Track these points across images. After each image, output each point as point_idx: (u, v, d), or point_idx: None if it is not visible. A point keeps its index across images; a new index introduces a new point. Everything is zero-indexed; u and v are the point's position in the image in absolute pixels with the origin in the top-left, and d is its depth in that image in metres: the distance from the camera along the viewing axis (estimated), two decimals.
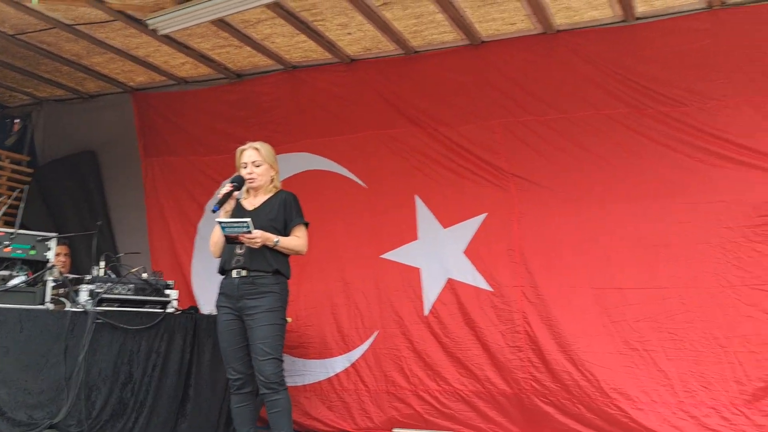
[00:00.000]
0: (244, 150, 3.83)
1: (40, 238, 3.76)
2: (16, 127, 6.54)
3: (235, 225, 3.55)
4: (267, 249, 3.64)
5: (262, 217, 3.69)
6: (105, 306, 3.92)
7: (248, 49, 5.10)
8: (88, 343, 3.69)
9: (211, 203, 5.41)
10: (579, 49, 4.63)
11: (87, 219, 5.81)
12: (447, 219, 4.84)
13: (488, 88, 4.83)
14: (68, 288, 3.89)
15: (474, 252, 4.71)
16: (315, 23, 4.71)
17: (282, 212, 3.74)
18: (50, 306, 3.79)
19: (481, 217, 4.71)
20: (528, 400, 4.45)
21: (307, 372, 4.93)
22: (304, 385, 5.00)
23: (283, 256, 3.73)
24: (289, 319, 3.96)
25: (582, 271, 4.44)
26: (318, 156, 5.24)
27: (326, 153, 5.21)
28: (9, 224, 4.57)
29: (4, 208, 4.70)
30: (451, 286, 4.73)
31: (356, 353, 4.92)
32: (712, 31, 4.31)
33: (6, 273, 3.64)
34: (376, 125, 5.13)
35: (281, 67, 5.41)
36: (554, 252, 4.52)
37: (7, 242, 3.62)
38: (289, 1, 4.41)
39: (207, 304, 5.16)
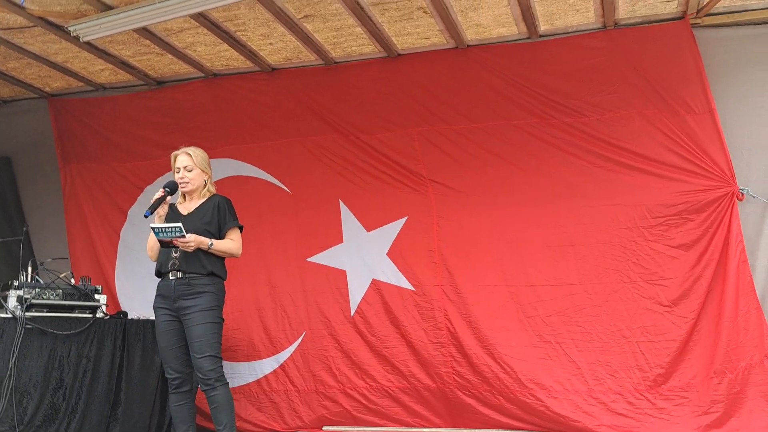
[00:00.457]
0: (177, 155, 3.96)
1: None
2: None
3: (168, 230, 3.64)
4: (201, 252, 3.76)
5: (196, 221, 3.82)
6: (34, 312, 3.92)
7: (170, 56, 5.08)
8: (18, 348, 3.71)
9: (136, 209, 5.45)
10: (488, 64, 4.88)
11: (2, 227, 5.69)
12: (370, 222, 5.01)
13: (406, 98, 5.02)
14: None
15: (396, 253, 4.90)
16: (238, 33, 4.75)
17: (216, 216, 3.86)
18: None
19: (403, 220, 4.93)
20: (451, 394, 4.67)
21: (236, 375, 4.98)
22: (233, 388, 4.90)
23: (217, 258, 3.85)
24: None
25: (498, 269, 4.71)
26: (241, 162, 5.32)
27: (250, 159, 5.28)
28: None
29: None
30: (376, 286, 4.90)
31: (284, 355, 5.03)
32: (607, 49, 4.65)
33: None
34: (298, 132, 5.23)
35: (202, 74, 5.41)
36: (472, 252, 4.77)
37: None
38: (212, 11, 4.41)
39: (132, 310, 5.07)
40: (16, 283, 3.95)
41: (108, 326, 4.27)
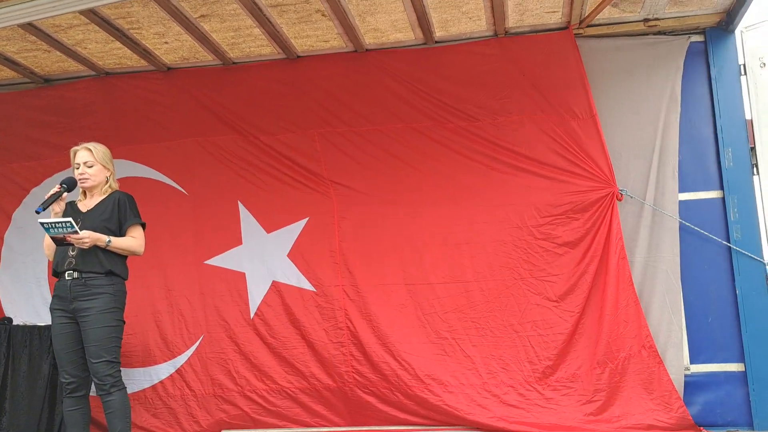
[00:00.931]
0: (77, 150, 3.80)
1: None
2: None
3: (58, 225, 3.47)
4: (99, 250, 3.62)
5: (95, 218, 3.68)
6: None
7: (58, 53, 4.88)
8: None
9: (21, 211, 5.25)
10: (386, 67, 4.97)
11: None
12: (270, 224, 4.97)
13: (306, 99, 5.03)
14: None
15: (297, 255, 4.89)
16: (131, 31, 4.62)
17: (116, 212, 3.73)
18: None
19: (303, 221, 4.93)
20: (351, 392, 4.70)
21: (131, 381, 4.79)
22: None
23: (117, 256, 3.72)
24: None
25: (397, 268, 4.80)
26: (136, 163, 5.17)
27: (144, 160, 5.14)
28: None
29: None
30: (276, 288, 4.88)
31: (181, 359, 4.92)
32: (498, 56, 4.84)
33: None
34: (196, 132, 5.13)
35: (93, 72, 5.22)
36: (372, 252, 4.83)
37: None
38: (104, 8, 4.27)
39: (17, 316, 4.93)
40: None
41: None
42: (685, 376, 4.54)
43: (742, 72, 4.74)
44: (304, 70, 5.09)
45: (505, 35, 4.91)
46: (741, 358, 4.56)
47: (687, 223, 4.64)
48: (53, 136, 5.29)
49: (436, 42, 4.98)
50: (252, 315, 4.92)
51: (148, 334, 4.99)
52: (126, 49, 4.87)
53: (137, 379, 4.95)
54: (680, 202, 4.68)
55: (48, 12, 4.08)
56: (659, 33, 4.82)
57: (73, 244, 3.62)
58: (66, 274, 3.68)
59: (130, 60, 5.09)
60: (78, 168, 3.83)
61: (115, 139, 5.13)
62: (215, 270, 5.01)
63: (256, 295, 4.93)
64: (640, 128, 4.74)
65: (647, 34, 4.82)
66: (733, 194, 4.67)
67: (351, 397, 4.74)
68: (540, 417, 4.48)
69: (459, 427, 4.59)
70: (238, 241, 5.03)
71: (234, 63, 5.18)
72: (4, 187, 5.33)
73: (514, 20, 4.74)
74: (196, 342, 4.96)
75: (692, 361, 4.62)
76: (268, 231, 5.01)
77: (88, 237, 3.58)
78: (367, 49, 5.03)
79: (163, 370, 4.96)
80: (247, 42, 4.88)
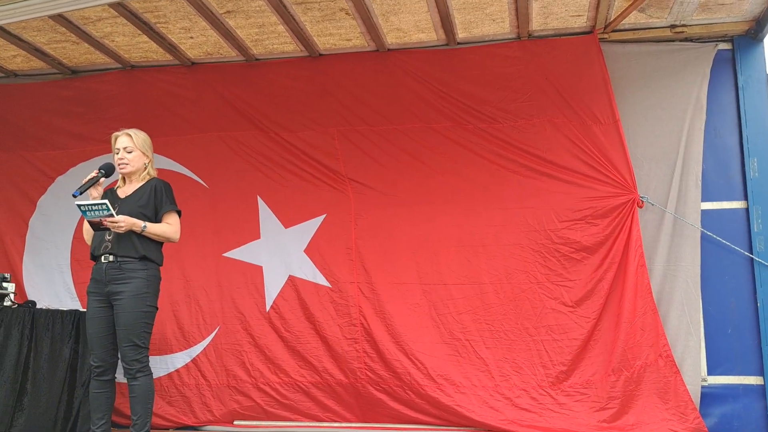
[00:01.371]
0: (117, 136, 3.84)
1: None
2: None
3: (95, 207, 3.49)
4: (135, 235, 3.65)
5: (131, 204, 3.71)
6: None
7: (86, 45, 4.95)
8: None
9: (46, 199, 5.37)
10: (408, 67, 4.98)
11: None
12: (288, 219, 5.00)
13: (327, 97, 5.05)
14: None
15: (314, 250, 4.91)
16: (158, 25, 4.67)
17: (153, 199, 3.76)
18: None
19: (321, 217, 4.96)
20: (363, 389, 4.71)
21: None
22: None
23: (152, 242, 3.74)
24: None
25: (413, 268, 4.80)
26: (158, 155, 4.96)
27: (167, 152, 5.17)
28: None
29: None
30: (293, 282, 4.91)
31: (197, 349, 4.97)
32: (521, 59, 4.83)
33: None
34: (218, 127, 5.18)
35: (119, 65, 5.29)
36: (388, 251, 4.84)
37: None
38: (132, 1, 4.34)
39: (40, 300, 5.00)
40: None
41: (15, 315, 4.17)
42: (702, 387, 4.49)
43: None
44: (325, 68, 5.11)
45: (529, 38, 4.88)
46: (760, 372, 4.50)
47: (709, 233, 4.58)
48: (79, 126, 5.37)
49: (459, 43, 4.97)
50: (268, 308, 4.95)
51: (166, 323, 5.03)
52: (152, 42, 4.92)
53: (154, 367, 4.78)
54: (702, 211, 4.62)
55: (78, 4, 4.12)
56: (686, 40, 4.77)
57: (109, 229, 3.64)
58: (102, 258, 3.71)
59: (156, 54, 5.14)
60: (118, 153, 3.86)
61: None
62: (233, 263, 5.06)
63: (272, 289, 4.97)
64: (664, 135, 4.69)
65: (674, 41, 4.77)
66: (757, 205, 4.60)
67: (363, 394, 4.75)
68: (552, 422, 4.45)
69: (470, 428, 4.58)
70: (256, 235, 5.06)
71: (257, 59, 5.21)
72: (30, 174, 5.42)
73: (538, 23, 4.71)
74: (212, 333, 5.01)
75: (710, 372, 4.56)
76: (286, 226, 5.04)
77: (123, 221, 3.60)
78: (388, 49, 5.04)
79: (179, 359, 5.02)
80: (270, 39, 4.91)
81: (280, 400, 4.86)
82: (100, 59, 5.27)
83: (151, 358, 4.89)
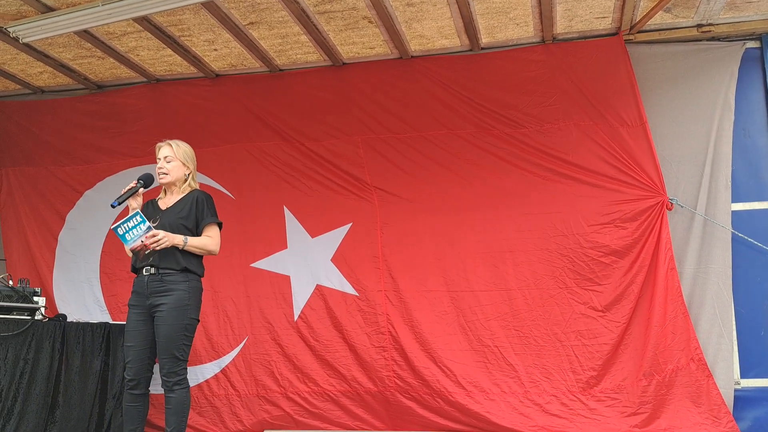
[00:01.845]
0: (160, 146, 3.82)
1: None
2: None
3: (131, 226, 3.46)
4: (177, 249, 3.60)
5: (172, 216, 3.67)
6: None
7: (111, 60, 4.98)
8: None
9: (75, 213, 5.41)
10: (432, 74, 4.95)
11: None
12: (315, 229, 5.00)
13: (351, 106, 5.04)
14: None
15: (341, 259, 4.90)
16: (182, 38, 4.68)
17: (194, 211, 3.72)
18: None
19: (347, 226, 4.95)
20: (392, 397, 4.68)
21: None
22: None
23: (194, 255, 3.69)
24: None
25: (439, 275, 4.77)
26: None
27: None
28: None
29: None
30: (320, 291, 4.91)
31: (226, 359, 4.98)
32: (545, 63, 4.78)
33: None
34: (243, 138, 5.19)
35: (144, 79, 5.31)
36: (414, 258, 4.81)
37: None
38: (156, 16, 4.34)
39: (70, 314, 5.01)
40: None
41: (47, 329, 4.18)
42: (735, 390, 4.41)
43: None
44: (349, 77, 5.10)
45: (553, 42, 4.83)
46: None
47: (740, 234, 4.50)
48: (105, 140, 5.41)
49: (482, 48, 4.94)
50: (296, 317, 4.95)
51: (195, 334, 5.10)
52: (176, 56, 4.94)
53: None
54: (733, 212, 4.54)
55: (103, 19, 4.19)
56: (713, 39, 4.69)
57: (155, 251, 3.58)
58: (144, 270, 3.68)
59: (180, 67, 5.16)
60: (158, 162, 3.83)
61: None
62: (260, 273, 5.07)
63: (300, 298, 4.97)
64: (692, 136, 4.62)
65: (700, 40, 4.70)
66: None
67: (392, 402, 4.73)
68: (583, 427, 4.40)
69: None
70: (283, 245, 5.07)
71: (281, 70, 5.21)
72: (59, 189, 5.47)
73: (562, 26, 4.66)
74: (240, 343, 5.01)
75: (743, 375, 4.48)
76: (313, 235, 5.05)
77: (165, 237, 3.57)
78: (412, 56, 5.02)
79: (209, 370, 5.03)
80: (294, 49, 4.91)
81: (310, 409, 4.85)
82: (125, 73, 5.30)
83: None
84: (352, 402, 4.82)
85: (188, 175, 3.87)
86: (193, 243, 3.70)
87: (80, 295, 5.31)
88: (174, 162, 3.82)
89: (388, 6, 4.32)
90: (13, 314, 4.12)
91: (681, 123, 4.67)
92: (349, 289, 4.92)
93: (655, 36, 4.76)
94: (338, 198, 5.04)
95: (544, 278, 4.66)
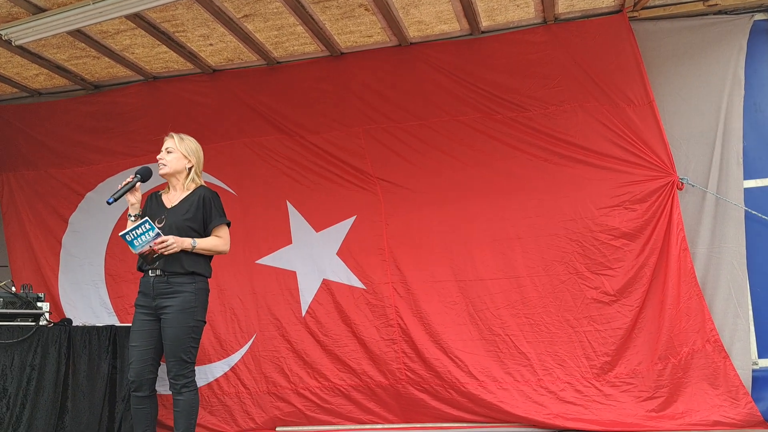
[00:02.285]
0: (166, 138, 3.71)
1: None
2: None
3: (139, 233, 3.37)
4: (183, 252, 3.50)
5: (177, 217, 3.56)
6: None
7: (107, 59, 4.90)
8: None
9: (77, 215, 5.38)
10: (431, 60, 4.84)
11: None
12: (319, 223, 4.93)
13: (350, 96, 4.95)
14: None
15: (346, 253, 4.83)
16: (176, 34, 4.59)
17: (201, 211, 3.60)
18: None
19: (351, 219, 4.88)
20: (403, 389, 4.62)
21: None
22: None
23: (201, 257, 3.59)
24: None
25: (447, 265, 4.68)
26: None
27: None
28: None
29: None
30: (327, 286, 4.84)
31: (235, 357, 4.94)
32: (548, 44, 4.66)
33: None
34: (243, 134, 5.11)
35: (141, 77, 5.24)
36: (421, 249, 4.73)
37: None
38: (149, 12, 4.24)
39: (76, 318, 4.96)
40: None
41: (52, 334, 4.14)
42: (753, 371, 4.31)
43: None
44: (347, 66, 4.99)
45: (555, 22, 4.70)
46: None
47: (753, 212, 4.38)
48: (104, 141, 5.34)
49: (482, 32, 4.82)
50: (303, 313, 4.89)
51: (203, 333, 5.04)
52: (172, 52, 4.85)
53: None
54: (745, 189, 4.43)
55: (95, 18, 4.10)
56: (720, 12, 4.54)
57: (159, 254, 3.49)
58: (149, 271, 3.60)
59: (177, 63, 5.07)
60: (161, 153, 3.72)
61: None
62: (266, 269, 5.01)
63: (307, 294, 4.91)
64: (701, 114, 4.50)
65: (707, 14, 4.56)
66: None
67: (403, 395, 4.67)
68: (599, 414, 4.33)
69: (514, 424, 4.47)
70: (288, 241, 5.00)
71: (278, 62, 5.11)
72: (60, 192, 5.42)
73: (564, 6, 4.52)
74: (249, 340, 4.96)
75: (761, 355, 4.38)
76: (317, 230, 4.98)
77: (174, 242, 3.47)
78: (411, 43, 4.90)
79: (218, 369, 4.98)
80: (290, 41, 4.81)
81: (321, 405, 4.80)
82: (121, 72, 5.22)
83: None
84: (364, 396, 4.76)
85: (190, 168, 3.73)
86: (203, 245, 3.61)
87: (86, 298, 5.27)
88: (174, 154, 3.71)
89: None
90: (17, 321, 4.07)
91: (689, 100, 4.55)
92: (356, 282, 4.85)
93: (660, 12, 4.62)
94: (341, 191, 4.95)
95: (554, 264, 4.56)
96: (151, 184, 3.94)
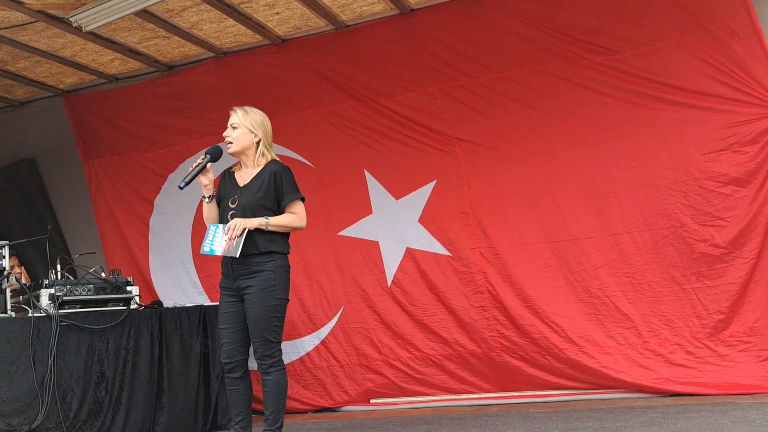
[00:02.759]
0: (230, 114, 3.56)
1: None
2: None
3: (212, 238, 3.35)
4: (257, 232, 3.37)
5: (249, 196, 3.43)
6: (67, 308, 3.83)
7: (177, 39, 4.86)
8: (55, 346, 3.68)
9: (161, 198, 5.40)
10: (507, 8, 4.54)
11: (34, 229, 5.58)
12: (398, 190, 4.77)
13: (423, 54, 4.71)
14: (28, 294, 3.77)
15: (428, 219, 4.65)
16: (242, 6, 4.48)
17: (272, 188, 3.45)
18: (12, 314, 3.71)
19: (431, 184, 4.68)
20: (498, 358, 4.44)
21: None
22: None
23: (277, 234, 3.46)
24: None
25: (536, 226, 4.42)
26: None
27: None
28: None
29: None
30: (411, 254, 4.69)
31: (324, 330, 4.90)
32: None
33: None
34: (316, 103, 4.98)
35: (212, 54, 5.18)
36: (507, 210, 4.48)
37: None
38: None
39: (169, 299, 5.02)
40: (46, 282, 3.87)
41: (143, 317, 4.18)
42: None
43: None
44: (418, 23, 4.75)
45: None
46: None
47: None
48: (180, 121, 5.34)
49: None
50: (389, 283, 4.77)
51: (291, 308, 4.79)
52: (240, 25, 4.76)
53: (285, 352, 4.69)
54: None
55: None
56: None
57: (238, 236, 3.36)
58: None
59: (245, 36, 4.98)
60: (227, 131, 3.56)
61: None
62: (349, 241, 4.90)
63: (391, 263, 4.77)
64: None
65: None
66: None
67: (498, 363, 4.48)
68: (714, 376, 4.02)
69: (620, 390, 4.22)
70: (368, 210, 4.87)
71: (346, 26, 4.93)
72: (143, 175, 5.48)
73: None
74: (337, 313, 4.90)
75: None
76: (397, 197, 4.81)
77: (237, 222, 3.34)
78: None
79: (308, 343, 4.95)
80: (357, 2, 4.63)
81: (414, 375, 4.68)
82: (192, 50, 5.19)
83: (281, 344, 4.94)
84: (457, 365, 4.61)
85: (258, 143, 3.54)
86: (276, 222, 3.44)
87: (177, 279, 5.33)
88: (240, 129, 3.52)
89: None
90: (108, 306, 4.11)
91: None
92: (441, 249, 4.66)
93: None
94: (419, 155, 4.75)
95: (655, 217, 4.21)
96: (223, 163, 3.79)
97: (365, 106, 4.91)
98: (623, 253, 4.27)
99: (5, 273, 3.77)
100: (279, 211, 3.49)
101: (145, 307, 4.38)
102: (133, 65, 5.36)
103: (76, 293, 4.00)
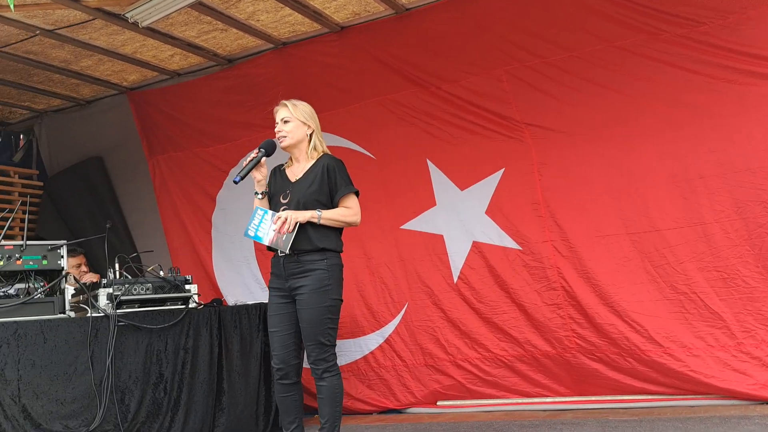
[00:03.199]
0: (277, 109, 3.46)
1: (51, 247, 3.65)
2: (22, 143, 6.39)
3: (258, 223, 3.24)
4: (310, 225, 3.26)
5: (302, 191, 3.32)
6: (126, 308, 3.79)
7: (234, 31, 4.79)
8: (113, 346, 3.63)
9: (223, 193, 5.34)
10: None
11: (103, 226, 5.84)
12: (463, 180, 4.53)
13: (487, 35, 4.45)
14: (87, 294, 3.74)
15: (496, 211, 4.40)
16: None
17: (325, 182, 3.33)
18: (71, 314, 3.68)
19: (499, 173, 4.43)
20: (574, 359, 4.15)
21: (342, 353, 4.65)
22: (341, 366, 4.96)
23: (331, 230, 3.34)
24: None
25: (614, 216, 4.10)
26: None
27: (329, 127, 4.72)
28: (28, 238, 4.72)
29: (9, 222, 4.55)
30: (478, 249, 4.44)
31: (388, 328, 4.72)
32: None
33: (23, 286, 3.57)
34: (376, 91, 4.80)
35: (271, 45, 5.09)
36: (582, 200, 4.18)
37: (17, 255, 3.55)
38: None
39: (232, 296, 5.00)
40: (104, 281, 3.82)
41: (202, 316, 4.09)
42: None
43: None
44: (481, 2, 4.48)
45: None
46: None
47: None
48: (241, 115, 5.25)
49: None
50: (455, 279, 4.52)
51: (354, 304, 4.79)
52: (297, 14, 4.63)
53: (348, 351, 4.79)
54: None
55: None
56: None
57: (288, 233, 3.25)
58: (278, 251, 3.35)
59: (303, 25, 4.85)
60: (277, 126, 3.45)
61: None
62: (412, 234, 4.69)
63: (456, 258, 4.52)
64: None
65: None
66: None
67: (574, 365, 4.18)
68: None
69: (710, 396, 3.85)
70: (431, 202, 4.64)
71: (406, 9, 4.71)
72: (205, 170, 5.43)
73: None
74: (401, 310, 4.70)
75: None
76: (462, 188, 4.55)
77: (287, 215, 3.22)
78: None
79: (372, 341, 4.78)
80: None
81: (483, 377, 4.43)
82: (251, 42, 5.09)
83: (344, 341, 4.73)
84: (529, 367, 4.33)
85: (311, 135, 3.43)
86: (329, 216, 3.30)
87: (240, 275, 5.26)
88: (292, 122, 3.40)
89: None
90: (167, 305, 4.04)
91: None
92: (510, 242, 4.38)
93: None
94: (486, 142, 4.47)
95: (749, 205, 3.80)
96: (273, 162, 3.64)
97: (427, 92, 4.68)
98: (712, 244, 3.89)
99: (64, 272, 3.70)
100: (332, 205, 3.34)
101: (204, 305, 4.27)
102: (194, 60, 5.32)
103: (134, 292, 3.91)
